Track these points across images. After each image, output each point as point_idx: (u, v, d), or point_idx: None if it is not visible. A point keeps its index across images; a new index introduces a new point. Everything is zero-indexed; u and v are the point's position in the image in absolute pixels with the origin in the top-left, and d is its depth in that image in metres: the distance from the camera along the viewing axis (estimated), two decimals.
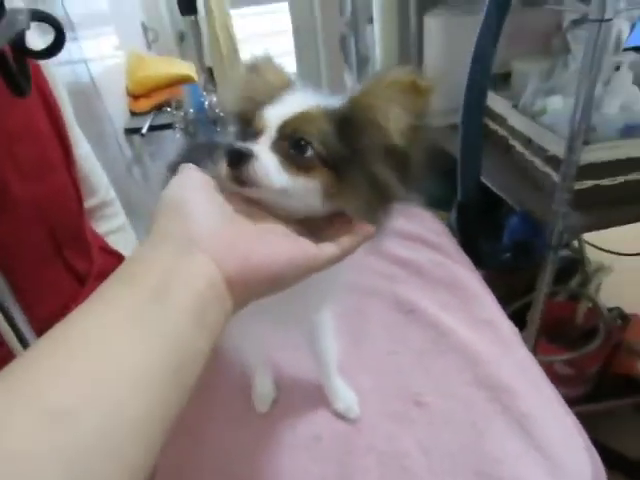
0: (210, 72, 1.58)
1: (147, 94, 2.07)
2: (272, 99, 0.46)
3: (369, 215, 0.43)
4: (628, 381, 1.43)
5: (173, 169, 0.49)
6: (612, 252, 1.47)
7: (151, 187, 1.89)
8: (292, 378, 0.68)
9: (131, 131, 1.91)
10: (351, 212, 0.42)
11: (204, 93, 1.46)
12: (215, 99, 1.36)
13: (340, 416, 0.64)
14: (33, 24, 0.50)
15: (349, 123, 0.43)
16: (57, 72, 0.69)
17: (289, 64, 2.74)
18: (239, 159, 0.39)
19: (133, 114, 2.03)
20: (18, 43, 0.50)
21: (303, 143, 0.42)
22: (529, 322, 1.25)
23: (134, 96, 2.07)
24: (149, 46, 2.39)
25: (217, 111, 1.32)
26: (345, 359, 0.67)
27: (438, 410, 0.62)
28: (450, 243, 0.90)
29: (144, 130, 1.78)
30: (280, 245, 0.37)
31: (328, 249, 0.40)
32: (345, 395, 0.67)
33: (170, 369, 0.29)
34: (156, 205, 0.38)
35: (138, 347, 0.28)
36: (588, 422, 0.67)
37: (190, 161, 0.45)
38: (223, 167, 0.40)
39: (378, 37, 1.88)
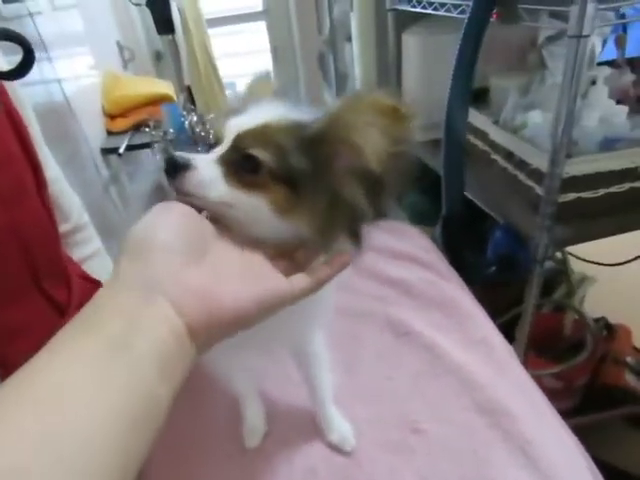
0: (189, 91, 1.56)
1: (124, 113, 2.04)
2: (243, 110, 0.45)
3: (326, 236, 0.42)
4: (616, 392, 1.43)
5: (158, 192, 0.48)
6: (595, 262, 1.48)
7: (129, 208, 1.84)
8: (284, 409, 0.65)
9: (108, 151, 1.87)
10: (307, 232, 0.41)
11: (184, 112, 1.43)
12: (195, 118, 1.34)
13: (336, 448, 0.61)
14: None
15: (321, 139, 0.41)
16: (28, 92, 0.67)
17: None
18: (175, 168, 0.39)
19: (110, 134, 1.99)
20: None
21: (253, 159, 0.40)
22: (518, 336, 1.25)
23: (111, 116, 2.03)
24: (125, 65, 2.36)
25: (197, 130, 1.30)
26: (340, 388, 0.65)
27: (436, 438, 0.60)
28: (439, 260, 0.89)
29: (121, 150, 1.74)
30: (247, 286, 0.36)
31: (300, 283, 0.39)
32: (340, 426, 0.64)
33: (129, 419, 0.28)
34: (121, 243, 0.36)
35: (95, 400, 0.28)
36: (578, 435, 0.66)
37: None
38: (163, 176, 0.40)
39: (357, 55, 1.89)
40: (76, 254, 0.80)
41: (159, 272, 0.34)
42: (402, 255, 0.90)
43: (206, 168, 0.40)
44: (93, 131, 1.83)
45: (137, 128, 1.98)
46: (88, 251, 0.83)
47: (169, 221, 0.37)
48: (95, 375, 0.29)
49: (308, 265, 0.41)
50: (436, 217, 1.40)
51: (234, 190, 0.40)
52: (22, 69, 0.51)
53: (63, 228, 0.77)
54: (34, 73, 1.42)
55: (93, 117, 1.91)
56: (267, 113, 0.44)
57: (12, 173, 0.56)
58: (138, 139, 1.90)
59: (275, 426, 0.63)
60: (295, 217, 0.41)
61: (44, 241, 0.62)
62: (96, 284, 0.76)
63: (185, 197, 0.39)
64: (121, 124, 1.99)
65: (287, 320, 0.46)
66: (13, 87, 0.62)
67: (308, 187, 0.41)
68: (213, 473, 0.58)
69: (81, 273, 0.76)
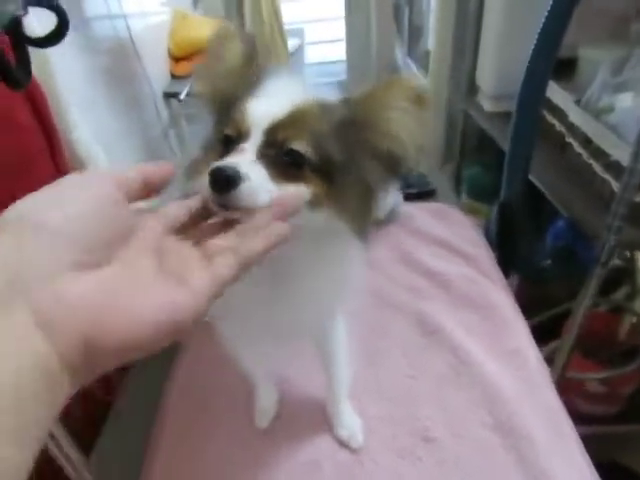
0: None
1: (189, 56, 2.01)
2: (252, 85, 0.41)
3: (360, 225, 0.41)
4: None
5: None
6: None
7: (185, 154, 1.86)
8: (297, 393, 0.65)
9: (170, 95, 1.87)
10: (345, 221, 0.40)
11: None
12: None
13: (342, 444, 0.61)
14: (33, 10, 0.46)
15: (352, 124, 0.40)
16: (93, 27, 0.65)
17: (338, 30, 2.61)
18: (226, 184, 0.34)
19: (174, 77, 1.98)
20: (16, 30, 0.45)
21: (295, 153, 0.38)
22: (564, 336, 1.17)
23: (175, 58, 2.02)
24: (195, 3, 2.31)
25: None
26: (357, 380, 0.63)
27: (447, 449, 0.58)
28: (485, 256, 0.83)
29: (182, 96, 1.74)
30: (151, 302, 0.27)
31: (204, 281, 0.29)
32: (350, 422, 0.62)
33: None
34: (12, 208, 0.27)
35: None
36: (613, 443, 0.61)
37: None
38: (207, 190, 0.34)
39: (435, 7, 1.74)
40: None
41: (34, 265, 0.25)
42: (445, 245, 0.84)
43: (256, 175, 0.35)
44: (157, 73, 1.83)
45: None
46: None
47: (82, 200, 0.28)
48: None
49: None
50: (495, 194, 1.30)
51: (280, 189, 0.37)
52: (56, 36, 0.50)
53: None
54: (100, 7, 1.41)
55: (158, 58, 1.90)
56: (291, 94, 0.40)
57: (15, 142, 0.56)
58: None
59: (285, 410, 0.63)
60: (331, 207, 0.39)
61: None
62: None
63: (228, 212, 0.34)
64: (185, 68, 1.97)
65: (303, 306, 0.45)
66: (44, 55, 0.61)
67: (341, 175, 0.39)
68: (217, 455, 0.60)
69: None
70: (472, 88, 1.60)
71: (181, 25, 2.06)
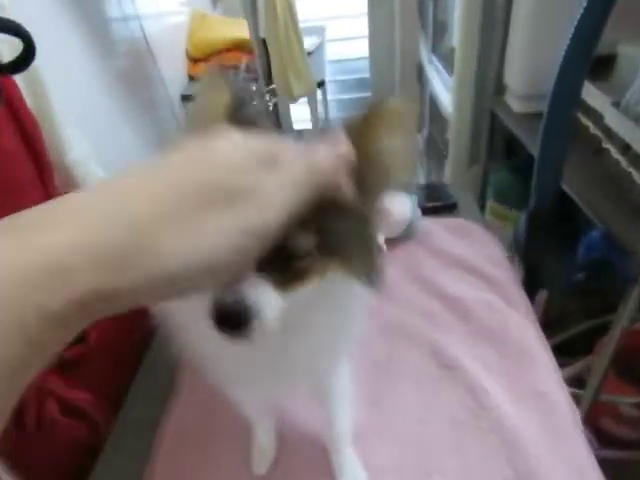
0: (264, 44, 1.44)
1: (207, 57, 1.99)
2: None
3: (369, 269, 0.35)
4: None
5: None
6: None
7: None
8: (297, 435, 0.59)
9: (188, 97, 1.84)
10: (352, 275, 0.35)
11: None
12: (253, 88, 1.24)
13: None
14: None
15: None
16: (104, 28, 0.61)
17: (360, 26, 2.53)
18: (238, 324, 0.28)
19: (192, 79, 1.96)
20: None
21: (299, 251, 0.31)
22: (599, 355, 1.09)
23: (194, 59, 1.99)
24: (214, 4, 2.28)
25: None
26: (362, 423, 0.57)
27: None
28: (509, 279, 0.75)
29: None
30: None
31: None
32: (353, 473, 0.56)
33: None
34: None
35: None
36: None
37: None
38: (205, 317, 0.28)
39: (460, 1, 1.65)
40: None
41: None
42: (466, 266, 0.77)
43: (264, 298, 0.30)
44: (174, 75, 1.81)
45: None
46: None
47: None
48: None
49: None
50: (523, 200, 1.22)
51: (287, 293, 0.31)
52: (21, 63, 0.46)
53: None
54: (113, 9, 1.37)
55: (175, 60, 1.88)
56: None
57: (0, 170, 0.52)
58: None
59: (285, 456, 0.58)
60: (344, 271, 0.34)
61: None
62: None
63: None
64: (203, 69, 1.95)
65: (303, 354, 0.40)
66: (36, 70, 0.57)
67: (341, 232, 0.33)
68: None
69: None
70: (500, 87, 1.51)
71: (200, 25, 2.03)
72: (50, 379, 0.56)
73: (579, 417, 0.56)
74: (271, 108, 1.31)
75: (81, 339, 0.61)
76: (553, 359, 0.63)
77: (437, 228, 0.86)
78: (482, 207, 1.79)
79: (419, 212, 0.86)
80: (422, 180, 2.52)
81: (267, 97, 1.35)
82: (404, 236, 0.85)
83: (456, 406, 0.58)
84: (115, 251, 0.22)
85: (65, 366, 0.58)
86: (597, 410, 1.22)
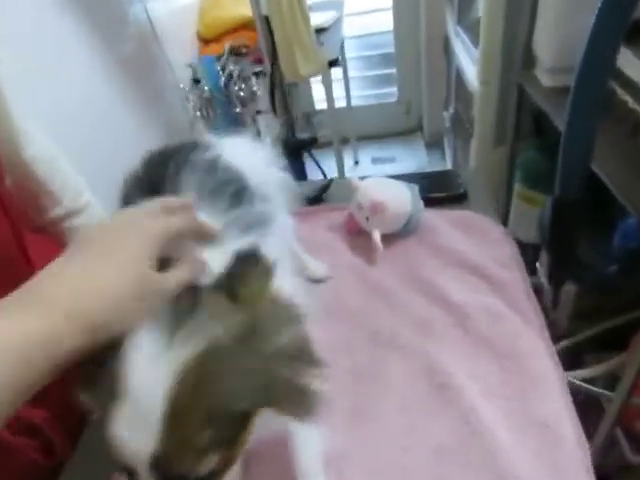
0: (267, 22, 1.34)
1: (219, 38, 1.91)
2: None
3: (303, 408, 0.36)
4: None
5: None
6: None
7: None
8: (265, 461, 0.53)
9: (198, 80, 1.79)
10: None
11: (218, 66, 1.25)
12: (236, 72, 1.16)
13: None
14: None
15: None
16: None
17: None
18: None
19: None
20: None
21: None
22: (633, 354, 0.99)
23: (205, 40, 1.92)
24: None
25: (235, 89, 1.12)
26: (340, 445, 0.51)
27: None
28: (518, 281, 0.65)
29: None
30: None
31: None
32: None
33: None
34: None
35: None
36: None
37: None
38: None
39: None
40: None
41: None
42: (470, 265, 0.68)
43: None
44: (184, 58, 1.75)
45: (232, 55, 1.86)
46: None
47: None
48: None
49: None
50: (553, 183, 1.11)
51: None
52: None
53: (53, 213, 0.69)
54: None
55: (185, 42, 1.82)
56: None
57: None
58: (233, 67, 1.78)
59: None
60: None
61: None
62: None
63: None
64: (215, 50, 1.88)
65: None
66: None
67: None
68: None
69: None
70: (528, 60, 1.38)
71: (212, 4, 1.96)
72: None
73: (589, 456, 0.47)
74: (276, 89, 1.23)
75: None
76: (564, 379, 0.54)
77: (441, 222, 0.77)
78: (509, 191, 1.68)
79: (421, 204, 0.77)
80: (449, 163, 2.39)
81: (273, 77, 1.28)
82: (403, 232, 0.77)
83: (445, 433, 0.51)
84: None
85: None
86: (630, 413, 1.12)
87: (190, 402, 0.31)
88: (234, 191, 0.50)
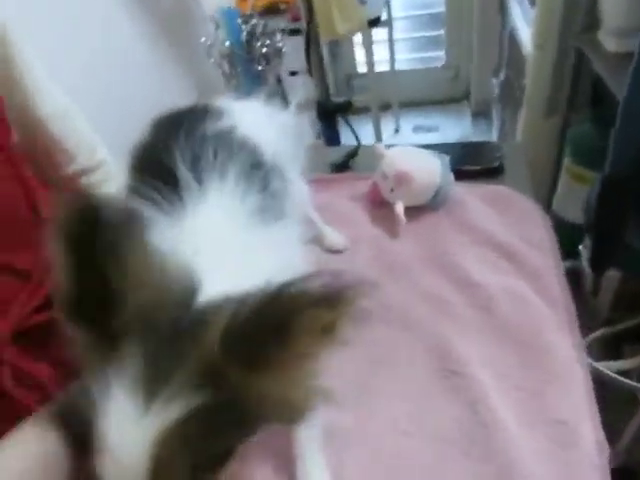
0: None
1: None
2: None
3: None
4: None
5: None
6: None
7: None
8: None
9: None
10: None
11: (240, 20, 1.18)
12: (259, 28, 1.09)
13: None
14: None
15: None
16: None
17: None
18: None
19: (242, 16, 1.84)
20: None
21: None
22: None
23: None
24: None
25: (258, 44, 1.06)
26: (341, 426, 0.48)
27: None
28: (549, 265, 0.59)
29: (243, 37, 1.59)
30: None
31: None
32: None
33: None
34: None
35: None
36: None
37: None
38: None
39: None
40: None
41: None
42: (498, 245, 0.62)
43: None
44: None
45: (270, 11, 1.78)
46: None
47: None
48: None
49: None
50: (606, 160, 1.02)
51: None
52: None
53: (69, 170, 0.69)
54: None
55: None
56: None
57: None
58: (272, 24, 1.71)
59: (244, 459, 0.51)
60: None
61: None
62: None
63: None
64: (252, 5, 1.81)
65: None
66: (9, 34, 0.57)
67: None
68: None
69: None
70: (591, 21, 1.25)
71: None
72: (5, 347, 0.53)
73: (607, 459, 0.43)
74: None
75: (50, 305, 0.57)
76: (588, 375, 0.49)
77: (471, 197, 0.71)
78: (557, 167, 1.57)
79: (451, 177, 0.71)
80: (495, 135, 2.25)
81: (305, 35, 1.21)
82: (430, 205, 0.72)
83: (450, 423, 0.47)
84: None
85: (25, 334, 0.55)
86: None
87: (174, 462, 0.31)
88: (246, 168, 0.47)
